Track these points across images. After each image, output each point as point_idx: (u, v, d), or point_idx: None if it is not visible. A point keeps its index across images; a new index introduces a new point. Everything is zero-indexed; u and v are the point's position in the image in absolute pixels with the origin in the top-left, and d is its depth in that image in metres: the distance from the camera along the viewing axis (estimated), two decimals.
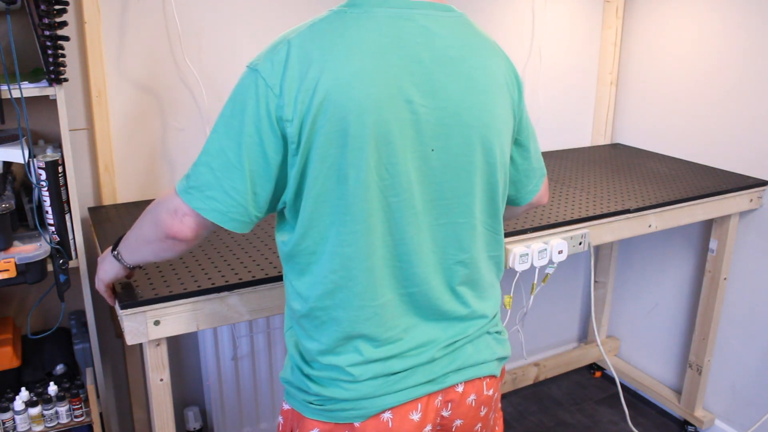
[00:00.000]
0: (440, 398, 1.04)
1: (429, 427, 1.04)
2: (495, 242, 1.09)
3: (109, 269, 1.19)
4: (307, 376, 1.02)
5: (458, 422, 1.08)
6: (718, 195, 1.96)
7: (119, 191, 1.77)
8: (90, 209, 1.70)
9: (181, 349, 1.99)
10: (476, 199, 1.02)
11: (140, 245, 1.07)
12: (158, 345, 1.26)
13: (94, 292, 1.75)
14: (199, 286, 1.26)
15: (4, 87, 1.35)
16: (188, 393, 2.05)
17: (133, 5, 1.68)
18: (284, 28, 1.87)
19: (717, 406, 2.31)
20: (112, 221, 1.62)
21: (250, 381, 1.97)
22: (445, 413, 1.06)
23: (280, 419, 1.10)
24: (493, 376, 1.10)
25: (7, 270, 1.38)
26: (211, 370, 1.90)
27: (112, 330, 1.86)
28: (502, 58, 1.04)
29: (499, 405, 1.17)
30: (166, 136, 1.81)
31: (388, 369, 1.00)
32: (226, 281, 1.28)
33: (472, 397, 1.07)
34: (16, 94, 1.36)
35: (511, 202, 1.18)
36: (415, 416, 1.02)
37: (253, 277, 1.31)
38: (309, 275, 0.98)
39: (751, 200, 2.05)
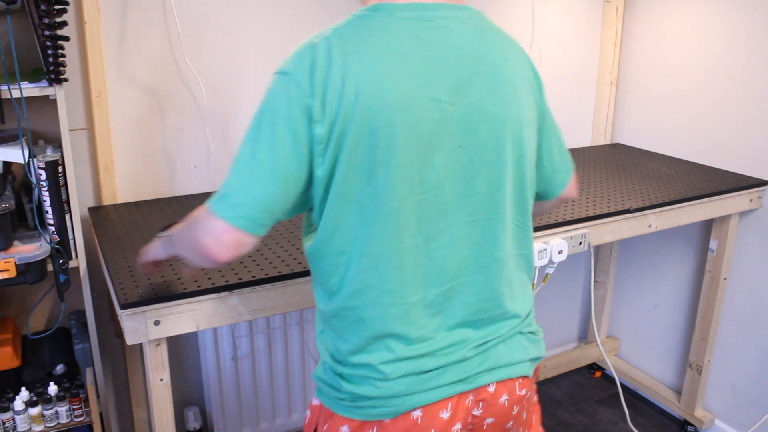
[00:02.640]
0: (471, 398, 1.04)
1: (459, 426, 1.03)
2: (525, 239, 1.09)
3: (153, 250, 1.18)
4: (340, 375, 1.02)
5: (489, 420, 1.07)
6: (718, 195, 1.96)
7: (119, 191, 1.77)
8: (90, 209, 1.70)
9: (181, 349, 1.99)
10: (507, 194, 1.02)
11: (181, 249, 1.06)
12: (158, 345, 1.26)
13: (94, 292, 1.75)
14: (199, 286, 1.26)
15: (4, 87, 1.35)
16: (188, 393, 2.05)
17: (133, 5, 1.68)
18: (284, 27, 1.88)
19: (717, 406, 2.31)
20: (112, 221, 1.62)
21: (250, 381, 1.97)
22: (476, 412, 1.05)
23: (308, 413, 1.11)
24: (525, 377, 1.09)
25: (7, 270, 1.38)
26: (211, 370, 1.90)
27: (112, 330, 1.86)
28: (521, 52, 1.05)
29: (535, 399, 1.16)
30: (166, 136, 1.81)
31: (419, 367, 0.99)
32: (226, 281, 1.28)
33: (505, 397, 1.06)
34: (16, 94, 1.36)
35: (539, 197, 1.17)
36: (445, 414, 1.01)
37: (253, 277, 1.31)
38: (338, 275, 0.98)
39: (751, 200, 2.05)
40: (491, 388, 1.05)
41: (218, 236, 0.93)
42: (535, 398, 1.17)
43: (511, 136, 0.99)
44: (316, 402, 1.09)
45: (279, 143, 0.91)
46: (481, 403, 1.05)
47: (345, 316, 1.00)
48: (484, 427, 1.07)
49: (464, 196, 0.98)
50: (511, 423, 1.10)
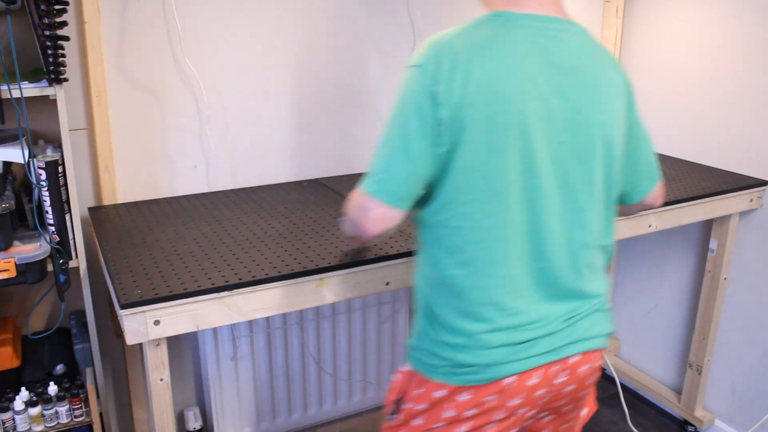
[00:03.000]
0: (558, 367, 1.15)
1: (543, 391, 1.15)
2: (607, 232, 1.20)
3: (344, 229, 1.33)
4: (438, 342, 1.13)
5: (569, 388, 1.19)
6: (718, 195, 1.96)
7: (119, 191, 1.77)
8: (90, 209, 1.70)
9: (181, 349, 1.99)
10: (596, 190, 1.14)
11: (349, 228, 1.17)
12: (158, 345, 1.26)
13: (94, 292, 1.75)
14: (199, 286, 1.26)
15: (4, 87, 1.35)
16: (188, 393, 2.05)
17: (133, 5, 1.68)
18: (283, 27, 1.88)
19: (717, 406, 2.32)
20: (112, 221, 1.62)
21: (250, 381, 1.97)
22: (559, 380, 1.16)
23: (396, 377, 1.22)
24: (601, 350, 1.22)
25: (7, 270, 1.38)
26: (211, 370, 1.90)
27: (112, 330, 1.86)
28: (617, 68, 1.18)
29: (599, 372, 1.29)
30: (166, 136, 1.81)
31: (515, 338, 1.10)
32: (226, 281, 1.28)
33: (585, 367, 1.19)
34: (16, 94, 1.36)
35: (622, 201, 1.29)
36: (533, 381, 1.13)
37: (253, 277, 1.31)
38: (446, 245, 1.10)
39: (751, 200, 2.05)
40: (575, 359, 1.17)
41: (367, 212, 1.08)
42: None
43: (603, 138, 1.12)
44: (407, 368, 1.20)
45: (410, 126, 1.05)
46: (565, 372, 1.16)
47: (450, 284, 1.10)
48: (563, 394, 1.20)
49: (561, 187, 1.10)
50: (584, 392, 1.24)
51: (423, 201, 1.13)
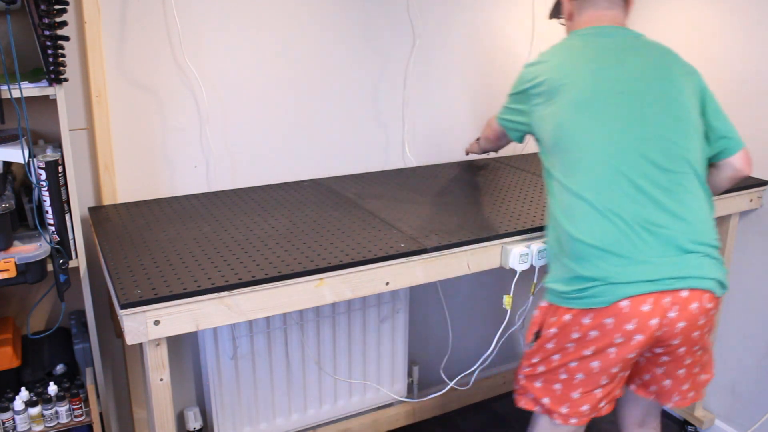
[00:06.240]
0: (668, 299, 1.34)
1: (656, 320, 1.35)
2: (702, 186, 1.44)
3: (473, 147, 2.10)
4: (566, 279, 1.41)
5: (681, 324, 1.37)
6: (718, 195, 1.95)
7: (119, 191, 1.77)
8: (90, 209, 1.70)
9: (181, 349, 1.99)
10: (687, 154, 1.41)
11: (482, 140, 1.98)
12: (158, 345, 1.26)
13: (94, 292, 1.75)
14: (199, 286, 1.26)
15: (4, 87, 1.35)
16: (188, 393, 2.05)
17: (133, 5, 1.68)
18: (283, 27, 1.88)
19: (717, 406, 2.32)
20: (112, 221, 1.62)
21: (250, 381, 1.97)
22: (671, 314, 1.35)
23: (536, 313, 1.51)
24: (712, 294, 1.38)
25: (7, 270, 1.38)
26: (211, 370, 1.90)
27: (112, 330, 1.86)
28: (672, 54, 1.51)
29: (714, 322, 1.47)
30: (166, 136, 1.81)
31: (629, 268, 1.34)
32: (226, 281, 1.28)
33: (695, 305, 1.36)
34: (16, 94, 1.36)
35: (712, 161, 1.53)
36: (646, 308, 1.34)
37: (253, 277, 1.31)
38: (564, 200, 1.43)
39: (751, 200, 2.05)
40: (684, 293, 1.35)
41: (490, 122, 1.82)
42: (714, 320, 1.48)
43: (677, 112, 1.42)
44: (544, 304, 1.49)
45: (516, 97, 1.61)
46: (676, 307, 1.35)
47: (574, 228, 1.39)
48: (676, 331, 1.38)
49: (648, 159, 1.39)
50: (697, 333, 1.41)
51: (541, 151, 1.55)
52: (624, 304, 1.34)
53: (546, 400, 1.50)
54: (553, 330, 1.45)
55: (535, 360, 1.51)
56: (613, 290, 1.34)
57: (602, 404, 1.49)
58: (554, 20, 1.86)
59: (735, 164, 1.52)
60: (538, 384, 1.51)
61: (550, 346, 1.46)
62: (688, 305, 1.35)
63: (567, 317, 1.41)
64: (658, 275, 1.33)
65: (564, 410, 1.48)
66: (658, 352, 1.46)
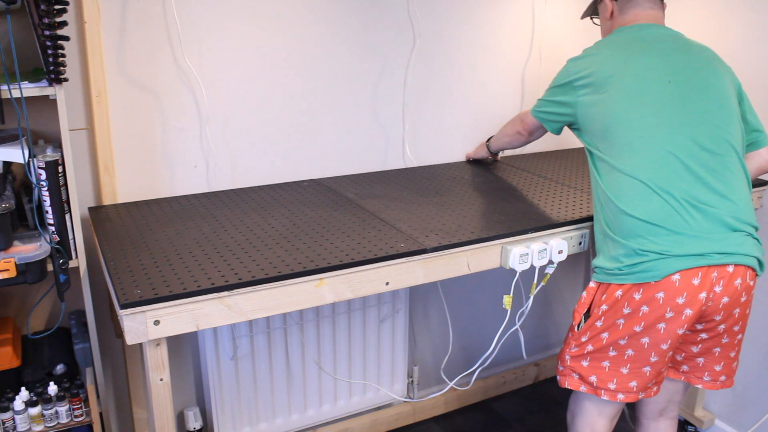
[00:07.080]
0: (715, 274, 1.41)
1: (704, 294, 1.41)
2: (743, 170, 1.52)
3: (479, 151, 2.22)
4: (618, 256, 1.47)
5: (725, 300, 1.44)
6: None
7: (119, 191, 1.77)
8: (90, 209, 1.70)
9: (181, 349, 1.99)
10: (730, 139, 1.49)
11: (503, 137, 2.04)
12: (158, 345, 1.26)
13: (94, 292, 1.75)
14: (199, 286, 1.26)
15: (4, 87, 1.35)
16: (188, 393, 2.05)
17: (133, 5, 1.68)
18: (283, 27, 1.88)
19: (717, 406, 2.31)
20: (112, 221, 1.62)
21: (250, 381, 1.97)
22: (717, 289, 1.42)
23: (584, 295, 1.57)
24: (754, 271, 1.47)
25: (7, 270, 1.38)
26: (211, 370, 1.90)
27: (112, 330, 1.86)
28: (711, 51, 1.61)
29: (750, 304, 1.54)
30: (166, 136, 1.81)
31: (678, 243, 1.41)
32: (226, 281, 1.28)
33: (738, 281, 1.44)
34: (16, 94, 1.36)
35: (749, 148, 1.62)
36: (695, 281, 1.40)
37: (253, 277, 1.31)
38: (616, 180, 1.50)
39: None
40: (730, 269, 1.43)
41: (523, 117, 1.87)
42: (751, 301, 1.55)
43: (720, 100, 1.51)
44: (592, 285, 1.55)
45: (559, 90, 1.67)
46: (721, 281, 1.42)
47: (626, 205, 1.46)
48: (720, 306, 1.45)
49: (696, 142, 1.46)
50: (737, 310, 1.49)
51: (583, 139, 1.64)
52: (676, 277, 1.40)
53: (593, 378, 1.55)
54: (603, 307, 1.49)
55: (584, 339, 1.55)
56: (665, 264, 1.40)
57: (651, 383, 1.54)
58: (586, 19, 1.98)
59: (765, 155, 1.64)
60: (585, 363, 1.56)
61: (599, 324, 1.51)
62: (733, 281, 1.43)
63: (618, 293, 1.47)
64: (707, 249, 1.40)
65: (612, 386, 1.53)
66: (699, 328, 1.52)
